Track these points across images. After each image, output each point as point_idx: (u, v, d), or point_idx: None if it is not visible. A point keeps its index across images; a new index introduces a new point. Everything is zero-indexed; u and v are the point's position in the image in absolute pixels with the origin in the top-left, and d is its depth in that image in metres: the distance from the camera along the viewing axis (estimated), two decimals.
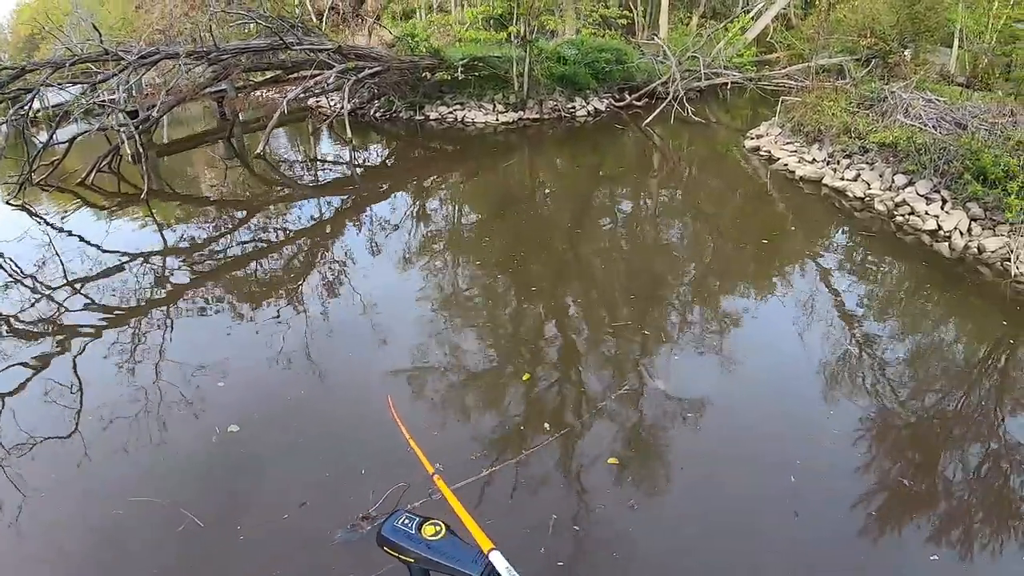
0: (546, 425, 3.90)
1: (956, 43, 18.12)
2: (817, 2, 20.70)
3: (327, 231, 8.22)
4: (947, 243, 6.93)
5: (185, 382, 4.45)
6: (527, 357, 4.81)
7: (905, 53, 16.23)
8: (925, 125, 8.58)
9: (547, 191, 10.15)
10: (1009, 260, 6.30)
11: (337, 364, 4.79)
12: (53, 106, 13.35)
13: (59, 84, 11.03)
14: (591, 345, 5.04)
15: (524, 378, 4.43)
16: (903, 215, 7.66)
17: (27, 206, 10.25)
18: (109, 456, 3.74)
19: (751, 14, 20.51)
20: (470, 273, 6.72)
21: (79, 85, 11.32)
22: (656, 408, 4.13)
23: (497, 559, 1.08)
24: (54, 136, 11.49)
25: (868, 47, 16.99)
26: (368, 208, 9.14)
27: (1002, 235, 6.64)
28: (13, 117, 11.03)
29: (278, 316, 5.55)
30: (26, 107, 10.74)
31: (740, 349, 4.90)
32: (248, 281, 6.57)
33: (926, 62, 16.01)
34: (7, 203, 10.61)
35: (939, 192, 7.63)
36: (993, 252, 6.50)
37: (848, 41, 17.66)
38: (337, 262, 7.08)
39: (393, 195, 9.84)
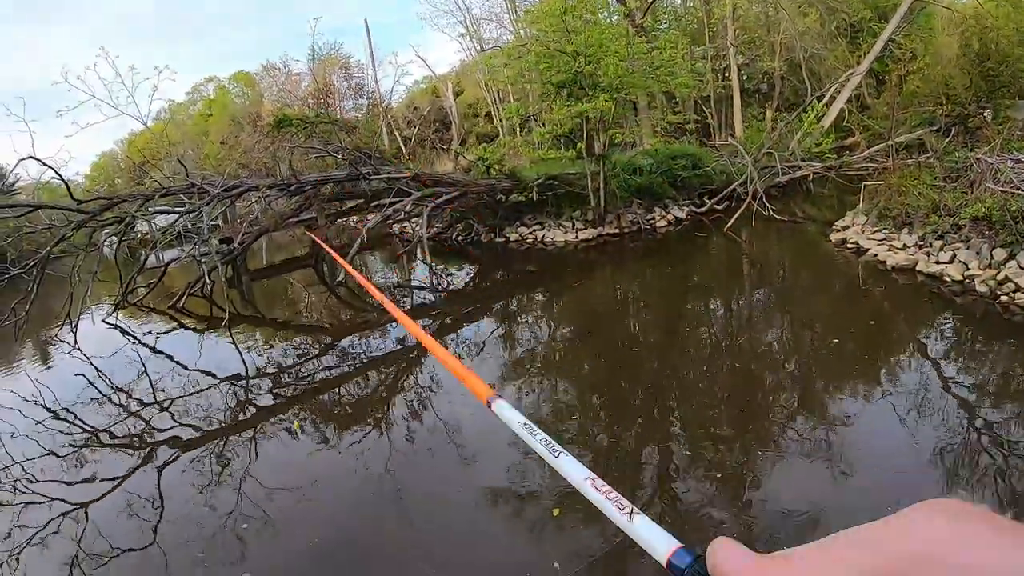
0: None
1: None
2: (887, 78, 19.97)
3: (409, 357, 8.01)
4: None
5: (224, 520, 4.41)
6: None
7: (985, 114, 15.52)
8: (1018, 189, 7.89)
9: (631, 306, 9.90)
10: None
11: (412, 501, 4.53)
12: (158, 231, 14.34)
13: (144, 215, 12.02)
14: (692, 456, 4.78)
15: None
16: (1007, 293, 6.89)
17: (120, 326, 11.15)
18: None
19: (824, 100, 19.75)
20: (559, 393, 6.47)
21: (174, 214, 12.00)
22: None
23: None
24: (148, 260, 12.63)
25: (946, 115, 16.22)
26: (452, 333, 8.98)
27: None
28: (107, 242, 12.20)
29: (359, 443, 5.51)
30: (121, 237, 11.78)
31: (851, 450, 4.47)
32: (331, 407, 6.66)
33: (1008, 119, 14.90)
34: (104, 321, 11.68)
35: None
36: None
37: (925, 112, 16.97)
38: (419, 388, 6.96)
39: (476, 319, 9.74)
